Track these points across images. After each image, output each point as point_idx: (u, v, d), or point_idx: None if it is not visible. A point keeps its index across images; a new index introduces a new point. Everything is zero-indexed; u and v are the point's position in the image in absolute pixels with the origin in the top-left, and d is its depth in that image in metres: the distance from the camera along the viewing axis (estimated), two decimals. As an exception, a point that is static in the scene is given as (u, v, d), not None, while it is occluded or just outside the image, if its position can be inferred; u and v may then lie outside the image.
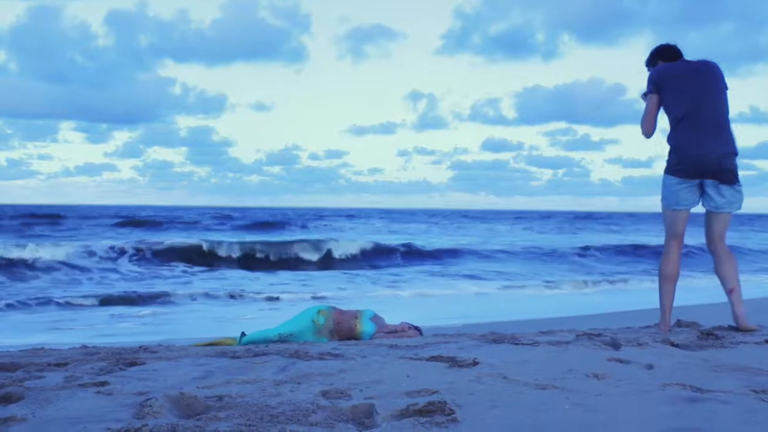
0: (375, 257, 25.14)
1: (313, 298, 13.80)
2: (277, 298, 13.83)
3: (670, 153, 5.62)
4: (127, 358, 4.09)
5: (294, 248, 25.20)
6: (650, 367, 3.80)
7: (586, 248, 28.58)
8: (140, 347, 4.79)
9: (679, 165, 5.51)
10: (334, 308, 6.56)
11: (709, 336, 4.94)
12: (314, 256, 24.37)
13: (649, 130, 5.78)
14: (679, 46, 5.99)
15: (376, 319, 6.26)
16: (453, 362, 3.87)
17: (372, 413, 2.78)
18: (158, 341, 6.27)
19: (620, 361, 3.97)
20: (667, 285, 5.77)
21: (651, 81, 5.75)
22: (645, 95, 5.84)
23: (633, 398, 3.06)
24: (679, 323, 5.91)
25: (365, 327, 6.21)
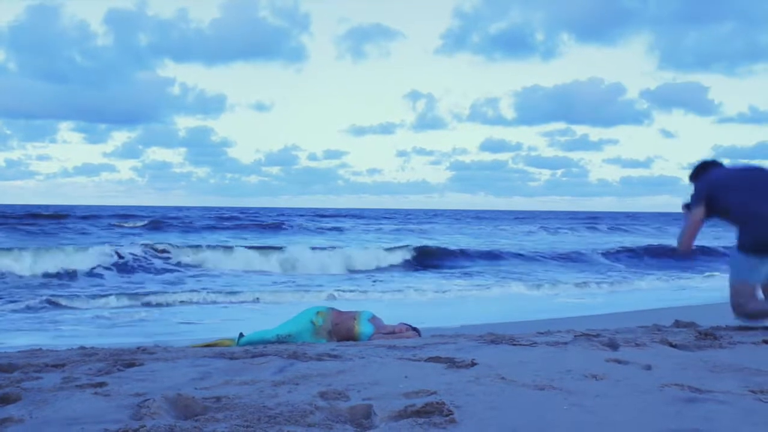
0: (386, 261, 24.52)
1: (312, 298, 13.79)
2: (269, 301, 13.82)
3: (744, 232, 5.64)
4: (125, 359, 4.09)
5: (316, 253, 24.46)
6: (648, 367, 3.80)
7: (620, 250, 28.27)
8: (138, 348, 4.79)
9: (755, 242, 5.53)
10: (333, 309, 6.57)
11: (708, 336, 4.95)
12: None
13: (689, 245, 5.81)
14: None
15: (374, 320, 6.26)
16: (451, 363, 3.87)
17: (370, 414, 2.78)
18: (156, 342, 6.26)
19: (618, 361, 3.97)
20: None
21: (701, 189, 5.80)
22: (687, 206, 5.84)
23: (631, 399, 3.06)
24: (677, 323, 5.92)
25: (363, 328, 6.22)
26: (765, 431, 2.58)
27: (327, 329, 6.36)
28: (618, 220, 75.76)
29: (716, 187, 5.74)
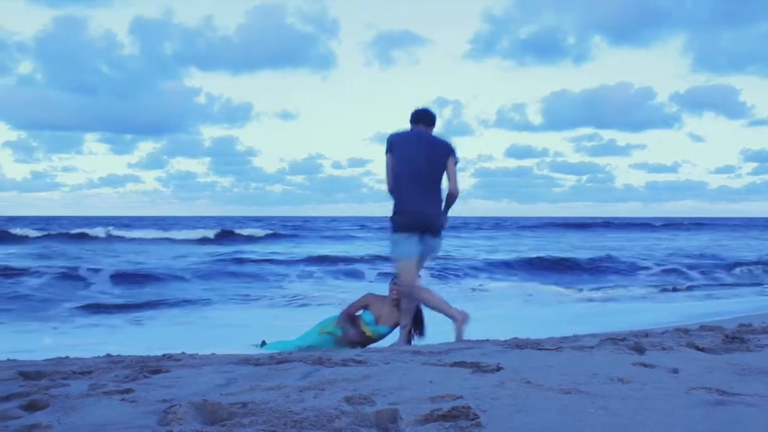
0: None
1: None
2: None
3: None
4: (150, 366, 4.11)
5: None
6: (675, 371, 3.78)
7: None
8: (164, 355, 4.82)
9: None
10: None
11: (735, 339, 4.91)
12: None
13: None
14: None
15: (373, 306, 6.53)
16: (476, 368, 3.86)
17: (396, 418, 2.78)
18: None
19: (645, 365, 3.95)
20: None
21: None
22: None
23: (658, 402, 3.04)
24: (702, 327, 5.88)
25: (367, 319, 6.43)
26: (794, 434, 2.56)
27: (347, 338, 6.47)
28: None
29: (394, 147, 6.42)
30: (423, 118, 6.57)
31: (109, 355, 5.01)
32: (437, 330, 6.50)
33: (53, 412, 2.91)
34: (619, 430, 2.60)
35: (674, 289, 16.74)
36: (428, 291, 6.46)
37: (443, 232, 6.49)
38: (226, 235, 40.81)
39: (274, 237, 42.23)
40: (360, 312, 6.70)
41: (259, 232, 43.27)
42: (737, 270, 22.04)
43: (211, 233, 40.71)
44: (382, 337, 6.63)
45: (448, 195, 6.37)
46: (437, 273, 19.51)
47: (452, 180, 6.32)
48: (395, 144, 6.38)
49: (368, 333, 6.57)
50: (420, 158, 6.24)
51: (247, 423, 2.67)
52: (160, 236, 40.15)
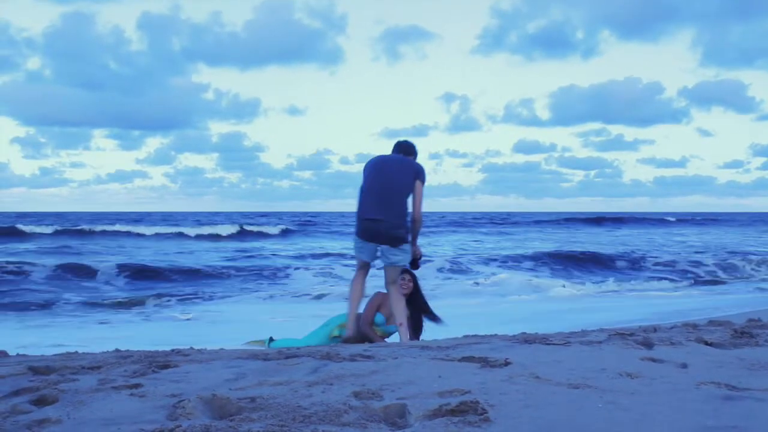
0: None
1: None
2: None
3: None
4: (159, 361, 4.12)
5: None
6: (684, 365, 3.77)
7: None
8: (172, 350, 4.82)
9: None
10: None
11: (744, 334, 4.89)
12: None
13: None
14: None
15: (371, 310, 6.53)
16: (485, 362, 3.86)
17: (404, 413, 2.78)
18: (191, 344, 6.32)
19: (653, 360, 3.94)
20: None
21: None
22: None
23: (667, 397, 3.03)
24: (711, 322, 5.86)
25: (378, 320, 6.41)
26: (804, 429, 2.54)
27: (354, 338, 6.45)
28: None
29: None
30: (402, 148, 6.90)
31: (117, 350, 5.02)
32: (444, 325, 6.51)
33: (63, 407, 2.92)
34: (627, 425, 2.59)
35: (685, 284, 16.76)
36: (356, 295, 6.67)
37: (418, 258, 6.77)
38: (240, 232, 40.63)
39: (286, 233, 42.13)
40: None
41: (273, 229, 43.19)
42: (751, 260, 22.03)
43: (223, 230, 40.62)
44: (391, 335, 6.66)
45: (411, 221, 6.50)
46: (449, 266, 19.60)
47: (416, 203, 6.48)
48: (366, 167, 6.73)
49: (379, 333, 6.60)
50: (383, 173, 6.52)
51: (256, 418, 2.67)
52: (170, 231, 40.25)
